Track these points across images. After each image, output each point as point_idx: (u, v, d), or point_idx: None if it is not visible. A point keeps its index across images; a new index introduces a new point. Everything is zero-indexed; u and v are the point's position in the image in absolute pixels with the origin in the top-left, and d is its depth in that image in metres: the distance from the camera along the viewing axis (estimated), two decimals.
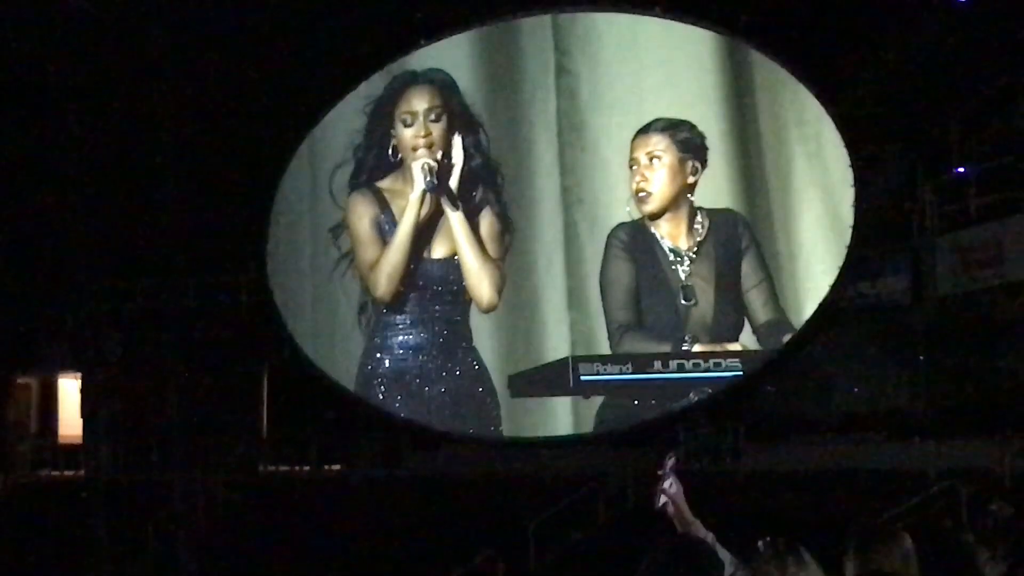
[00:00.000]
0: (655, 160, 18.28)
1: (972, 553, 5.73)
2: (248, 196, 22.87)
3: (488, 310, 19.05)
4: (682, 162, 18.32)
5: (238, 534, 22.98)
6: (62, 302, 30.13)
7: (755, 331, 18.20)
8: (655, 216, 18.32)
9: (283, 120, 23.14)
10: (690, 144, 18.46)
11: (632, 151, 18.43)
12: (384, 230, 19.13)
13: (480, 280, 18.85)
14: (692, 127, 18.53)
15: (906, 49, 26.72)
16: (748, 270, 18.25)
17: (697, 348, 18.11)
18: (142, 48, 30.32)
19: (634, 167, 18.33)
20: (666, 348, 18.18)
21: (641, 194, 18.29)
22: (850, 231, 18.10)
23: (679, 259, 18.23)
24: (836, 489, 19.67)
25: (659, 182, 18.20)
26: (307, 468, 27.09)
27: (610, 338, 18.56)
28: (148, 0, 29.63)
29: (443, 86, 19.39)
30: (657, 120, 18.57)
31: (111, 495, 25.94)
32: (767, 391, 23.09)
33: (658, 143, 18.36)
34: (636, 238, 18.45)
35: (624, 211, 18.65)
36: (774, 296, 18.18)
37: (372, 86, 20.27)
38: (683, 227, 18.29)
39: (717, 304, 18.21)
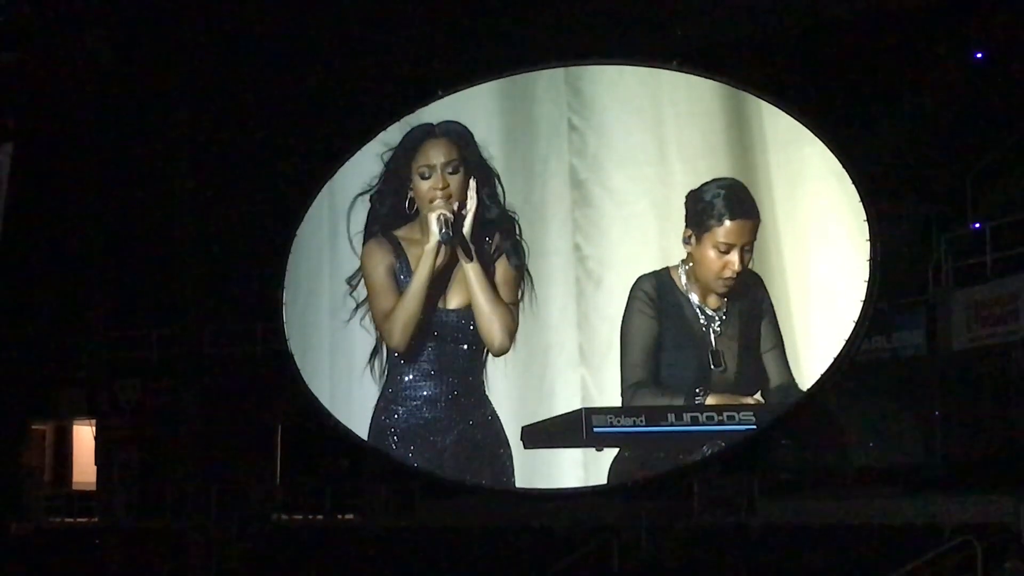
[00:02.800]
0: (749, 248, 18.25)
1: None
2: (265, 246, 22.97)
3: (499, 353, 19.09)
4: None
5: None
6: (78, 349, 30.24)
7: (763, 393, 18.24)
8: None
9: (301, 169, 23.28)
10: None
11: (724, 233, 18.25)
12: (399, 279, 19.20)
13: (491, 322, 18.90)
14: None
15: (922, 104, 26.80)
16: (766, 333, 18.29)
17: (710, 400, 18.08)
18: (162, 97, 30.53)
19: (725, 252, 18.15)
20: (679, 402, 18.17)
21: (729, 279, 18.21)
22: (865, 285, 18.09)
23: (710, 319, 18.26)
24: (851, 543, 19.60)
25: (747, 264, 18.22)
26: (320, 517, 27.04)
27: (623, 394, 18.55)
28: (170, 48, 29.86)
29: (460, 139, 19.48)
30: (749, 199, 18.45)
31: (125, 542, 25.94)
32: (782, 444, 23.06)
33: (752, 232, 18.32)
34: (663, 292, 18.45)
35: (639, 269, 18.60)
36: (785, 359, 18.20)
37: (389, 134, 20.38)
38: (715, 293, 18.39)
39: (740, 364, 18.24)
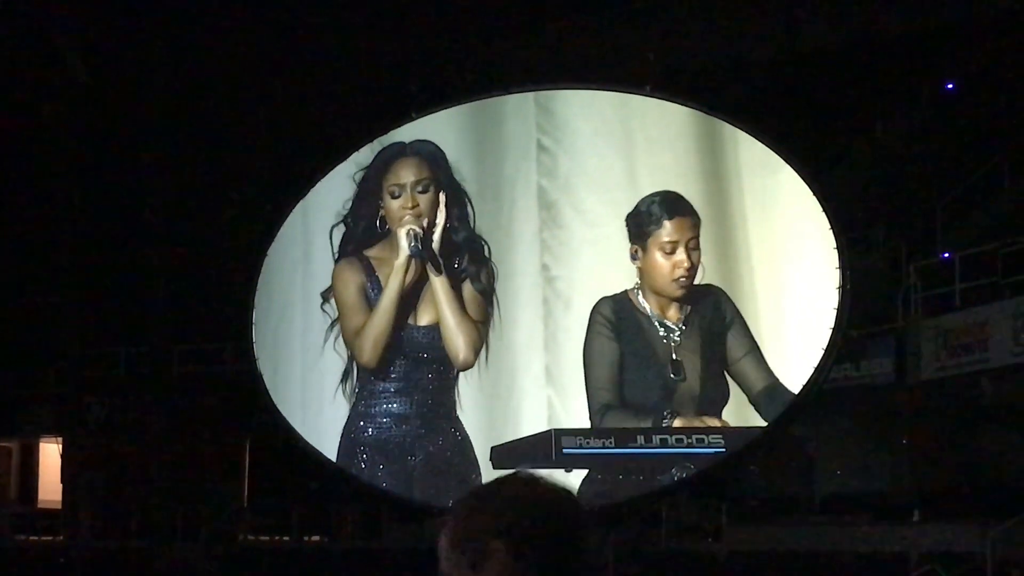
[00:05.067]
0: (696, 244, 18.23)
1: None
2: (235, 265, 22.92)
3: (463, 368, 19.05)
4: None
5: None
6: (46, 367, 30.12)
7: (752, 400, 18.05)
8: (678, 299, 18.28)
9: (273, 189, 23.25)
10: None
11: (665, 233, 18.25)
12: (370, 297, 19.18)
13: (456, 336, 18.87)
14: None
15: (893, 134, 26.97)
16: (735, 341, 18.22)
17: (677, 422, 18.03)
18: (134, 115, 30.49)
19: (671, 252, 18.14)
20: (648, 424, 18.14)
21: (683, 280, 18.16)
22: (834, 313, 18.11)
23: (669, 331, 18.22)
24: (818, 571, 19.63)
25: (697, 263, 18.19)
26: (287, 539, 26.95)
27: (591, 418, 18.51)
28: (143, 66, 29.84)
29: (431, 158, 19.49)
30: (683, 199, 18.51)
31: (90, 562, 25.81)
32: (750, 471, 23.09)
33: (695, 227, 18.33)
34: (621, 313, 18.42)
35: (608, 290, 18.58)
36: (765, 363, 18.13)
37: (362, 155, 20.38)
38: (673, 303, 18.30)
39: (703, 378, 18.18)
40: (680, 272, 18.10)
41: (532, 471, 2.54)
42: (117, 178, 30.80)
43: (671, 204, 18.48)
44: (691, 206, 18.49)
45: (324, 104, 28.56)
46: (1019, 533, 18.41)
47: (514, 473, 2.53)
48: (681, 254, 18.12)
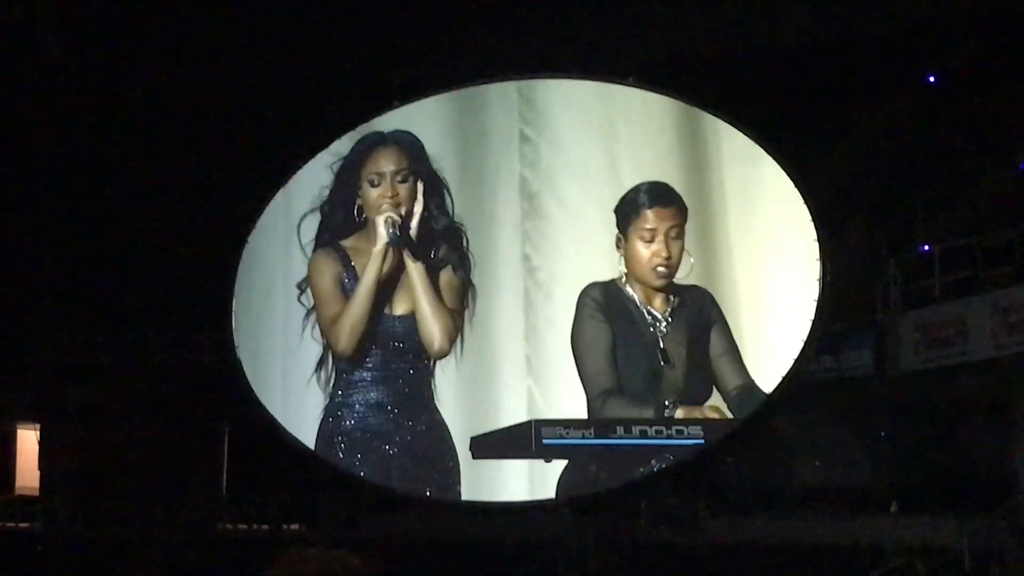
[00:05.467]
0: (677, 233, 18.19)
1: None
2: (216, 252, 22.84)
3: (439, 356, 18.99)
4: None
5: None
6: (23, 352, 29.98)
7: (725, 397, 18.12)
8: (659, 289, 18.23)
9: (254, 176, 23.17)
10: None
11: (646, 221, 18.25)
12: (346, 286, 19.12)
13: (432, 324, 18.80)
14: None
15: (875, 126, 27.02)
16: (716, 340, 18.22)
17: (679, 412, 17.99)
18: (113, 99, 30.37)
19: (650, 240, 18.12)
20: (647, 412, 18.08)
21: (661, 269, 18.07)
22: (814, 305, 18.13)
23: (656, 321, 18.21)
24: (795, 564, 19.67)
25: (678, 255, 18.14)
26: (266, 527, 26.90)
27: (590, 404, 18.41)
28: (121, 52, 29.74)
29: (411, 148, 19.43)
30: (670, 190, 18.50)
31: (68, 549, 25.73)
32: (728, 463, 23.12)
33: (678, 216, 18.29)
34: (610, 297, 18.39)
35: (590, 278, 18.56)
36: (741, 363, 18.17)
37: (341, 144, 20.32)
38: (658, 294, 18.29)
39: (688, 369, 18.18)
40: (658, 261, 18.06)
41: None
42: (96, 161, 30.67)
43: (655, 193, 18.45)
44: (678, 196, 18.44)
45: (306, 90, 28.48)
46: (997, 526, 18.47)
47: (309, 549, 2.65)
48: (660, 243, 18.07)
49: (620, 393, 18.28)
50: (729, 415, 18.06)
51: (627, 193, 18.60)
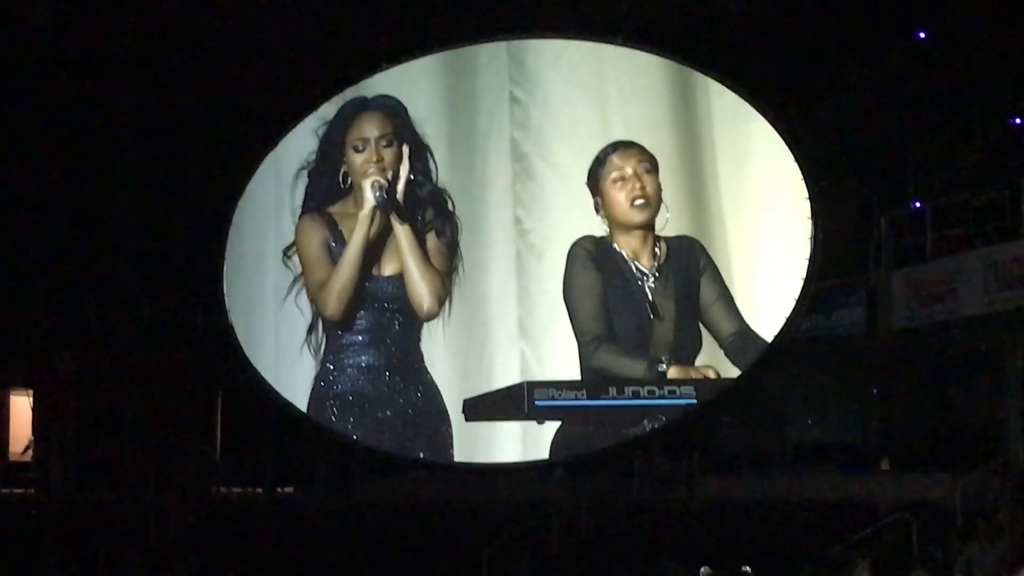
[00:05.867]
0: (648, 168, 18.24)
1: None
2: (207, 216, 22.80)
3: (428, 318, 19.02)
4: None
5: (190, 556, 22.82)
6: (15, 318, 29.94)
7: (722, 345, 18.10)
8: (643, 227, 18.24)
9: (244, 140, 23.11)
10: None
11: (613, 166, 18.31)
12: (333, 251, 19.13)
13: (420, 286, 18.83)
14: None
15: (865, 83, 26.96)
16: (707, 287, 18.23)
17: (673, 371, 18.00)
18: (101, 68, 30.24)
19: (621, 180, 18.18)
20: (639, 363, 18.08)
21: (639, 202, 18.11)
22: (806, 263, 18.13)
23: (644, 276, 18.22)
24: (788, 520, 19.73)
25: (654, 189, 18.18)
26: (260, 490, 26.96)
27: (582, 350, 18.39)
28: (109, 22, 29.59)
29: (394, 113, 19.42)
30: (632, 142, 18.56)
31: (61, 514, 25.75)
32: (721, 422, 23.17)
33: (644, 155, 18.34)
34: (601, 251, 18.40)
35: (581, 229, 18.56)
36: (736, 308, 18.17)
37: (327, 109, 20.28)
38: (645, 249, 18.29)
39: (678, 324, 18.18)
40: (635, 193, 18.17)
41: None
42: (85, 128, 30.57)
43: (616, 143, 18.55)
44: (646, 150, 18.49)
45: (294, 54, 28.36)
46: (988, 482, 18.53)
47: None
48: (631, 179, 18.19)
49: (612, 340, 18.30)
50: (725, 367, 18.09)
51: (592, 161, 18.66)
